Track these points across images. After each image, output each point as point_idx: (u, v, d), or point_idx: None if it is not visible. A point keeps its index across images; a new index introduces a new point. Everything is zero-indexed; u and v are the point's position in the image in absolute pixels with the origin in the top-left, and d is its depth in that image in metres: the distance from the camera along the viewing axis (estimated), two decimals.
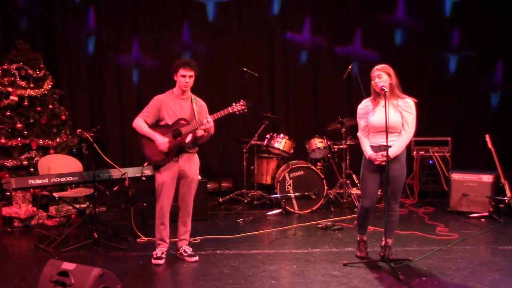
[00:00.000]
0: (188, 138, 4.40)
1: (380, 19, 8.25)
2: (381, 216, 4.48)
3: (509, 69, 8.12)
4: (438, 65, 8.27)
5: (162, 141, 4.36)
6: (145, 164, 4.76)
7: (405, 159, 4.27)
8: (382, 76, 4.15)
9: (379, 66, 4.22)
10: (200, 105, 4.56)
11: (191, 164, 4.50)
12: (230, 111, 4.39)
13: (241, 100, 4.43)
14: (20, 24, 7.86)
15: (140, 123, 4.44)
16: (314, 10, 8.32)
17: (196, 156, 4.59)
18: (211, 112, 4.49)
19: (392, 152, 4.09)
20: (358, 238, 4.56)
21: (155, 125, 4.47)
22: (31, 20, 7.95)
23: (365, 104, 4.32)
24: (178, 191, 4.54)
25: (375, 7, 8.22)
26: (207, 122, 4.32)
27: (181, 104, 4.47)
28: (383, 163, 4.14)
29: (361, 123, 4.33)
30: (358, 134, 4.39)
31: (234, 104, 4.41)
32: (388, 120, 4.08)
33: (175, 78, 4.44)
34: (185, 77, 4.37)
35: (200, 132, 4.46)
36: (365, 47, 8.25)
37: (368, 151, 4.24)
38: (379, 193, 4.53)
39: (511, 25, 7.97)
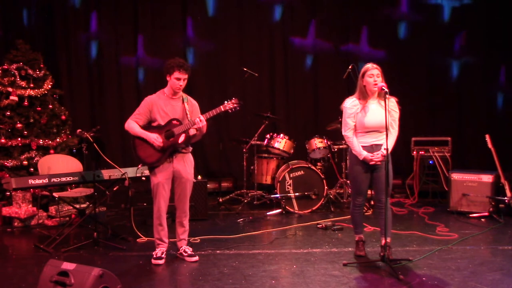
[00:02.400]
0: (181, 139, 4.40)
1: (382, 21, 8.25)
2: (379, 215, 4.47)
3: (510, 70, 8.12)
4: (439, 65, 8.26)
5: (155, 137, 4.35)
6: (139, 165, 4.75)
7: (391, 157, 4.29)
8: (380, 76, 4.17)
9: (375, 65, 4.21)
10: (192, 104, 4.55)
11: (185, 164, 4.50)
12: (222, 110, 4.38)
13: (233, 98, 4.43)
14: (20, 24, 7.86)
15: (132, 125, 4.43)
16: (315, 11, 8.31)
17: (190, 156, 4.59)
18: (203, 111, 4.49)
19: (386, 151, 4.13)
20: (357, 238, 4.56)
21: (148, 126, 4.46)
22: (31, 20, 7.95)
23: (353, 104, 4.27)
24: (174, 192, 4.55)
25: (377, 4, 8.24)
26: (200, 121, 4.31)
27: (172, 104, 4.46)
28: (378, 163, 4.18)
29: (349, 122, 4.28)
30: (345, 133, 4.33)
31: (226, 102, 4.40)
32: (380, 120, 4.11)
33: (167, 78, 4.42)
34: (180, 80, 4.36)
35: (192, 132, 4.46)
36: (366, 47, 8.25)
37: (362, 152, 4.23)
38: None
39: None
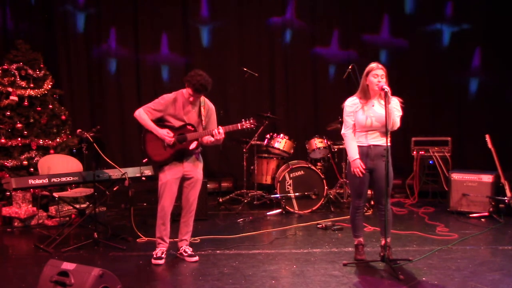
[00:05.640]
0: (193, 145, 4.40)
1: (381, 20, 8.27)
2: (379, 215, 4.47)
3: (509, 68, 8.12)
4: (439, 65, 8.27)
5: (166, 132, 4.34)
6: (144, 160, 4.74)
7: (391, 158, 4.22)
8: (384, 76, 4.11)
9: (380, 65, 4.15)
10: (208, 108, 4.53)
11: (195, 165, 4.51)
12: (239, 128, 4.42)
13: (251, 118, 4.47)
14: (20, 24, 7.86)
15: (143, 115, 4.39)
16: (314, 11, 8.32)
17: (200, 156, 4.60)
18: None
19: (390, 105, 4.03)
20: (356, 242, 4.46)
21: (160, 124, 4.43)
22: (32, 20, 7.95)
23: (353, 102, 4.23)
24: (182, 191, 4.54)
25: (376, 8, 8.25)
26: (218, 133, 4.32)
27: (189, 108, 4.44)
28: (360, 175, 4.13)
29: (348, 121, 4.23)
30: (344, 132, 4.27)
31: (243, 120, 4.44)
32: (379, 121, 4.09)
33: (186, 85, 4.37)
34: (192, 97, 4.35)
35: (206, 138, 4.46)
36: (367, 47, 8.26)
37: (354, 155, 4.16)
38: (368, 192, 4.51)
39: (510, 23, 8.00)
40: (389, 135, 4.18)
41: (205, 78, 4.31)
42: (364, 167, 4.14)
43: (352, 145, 4.20)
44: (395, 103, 4.17)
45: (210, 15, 8.28)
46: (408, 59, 8.16)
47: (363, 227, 4.59)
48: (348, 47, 8.27)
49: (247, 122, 4.43)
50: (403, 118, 4.30)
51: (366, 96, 4.19)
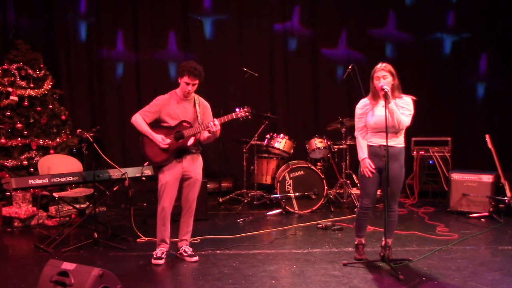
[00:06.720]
0: (190, 141, 4.39)
1: (379, 19, 8.27)
2: (381, 216, 4.48)
3: (509, 69, 8.12)
4: (438, 65, 8.27)
5: (161, 139, 4.35)
6: (146, 164, 4.75)
7: (404, 160, 4.25)
8: (387, 76, 4.10)
9: (382, 65, 4.14)
10: (203, 106, 4.54)
11: (194, 165, 4.50)
12: (234, 117, 4.41)
13: (246, 107, 4.45)
14: (20, 24, 7.86)
15: (139, 120, 4.41)
16: (314, 10, 8.32)
17: (200, 156, 4.59)
18: (213, 112, 4.49)
19: (392, 104, 4.03)
20: (357, 242, 4.47)
21: (158, 125, 4.44)
22: (31, 20, 7.95)
23: (363, 104, 4.26)
24: (181, 192, 4.54)
25: (374, 8, 8.25)
26: (214, 125, 4.30)
27: (184, 106, 4.45)
28: (369, 175, 4.15)
29: (359, 123, 4.27)
30: (355, 134, 4.34)
31: (238, 109, 4.42)
32: (376, 121, 4.10)
33: (179, 80, 4.40)
34: (189, 84, 4.35)
35: (203, 135, 4.46)
36: (366, 47, 8.27)
37: (362, 155, 4.20)
38: (378, 192, 4.50)
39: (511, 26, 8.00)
40: (402, 135, 4.20)
41: (196, 64, 4.36)
42: (373, 167, 4.15)
43: (362, 146, 4.24)
44: (405, 102, 4.16)
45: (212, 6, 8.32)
46: (407, 56, 8.16)
47: (366, 227, 4.59)
48: (351, 46, 8.29)
49: (242, 110, 4.42)
50: None
51: (375, 98, 4.20)
